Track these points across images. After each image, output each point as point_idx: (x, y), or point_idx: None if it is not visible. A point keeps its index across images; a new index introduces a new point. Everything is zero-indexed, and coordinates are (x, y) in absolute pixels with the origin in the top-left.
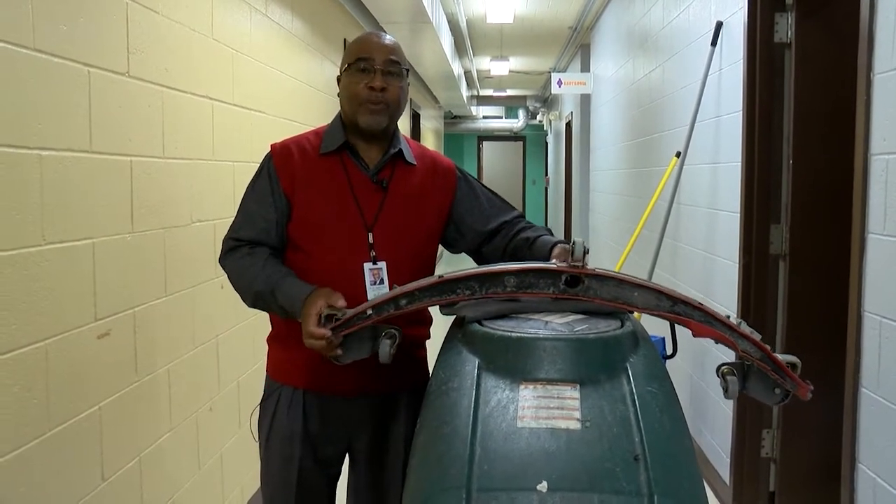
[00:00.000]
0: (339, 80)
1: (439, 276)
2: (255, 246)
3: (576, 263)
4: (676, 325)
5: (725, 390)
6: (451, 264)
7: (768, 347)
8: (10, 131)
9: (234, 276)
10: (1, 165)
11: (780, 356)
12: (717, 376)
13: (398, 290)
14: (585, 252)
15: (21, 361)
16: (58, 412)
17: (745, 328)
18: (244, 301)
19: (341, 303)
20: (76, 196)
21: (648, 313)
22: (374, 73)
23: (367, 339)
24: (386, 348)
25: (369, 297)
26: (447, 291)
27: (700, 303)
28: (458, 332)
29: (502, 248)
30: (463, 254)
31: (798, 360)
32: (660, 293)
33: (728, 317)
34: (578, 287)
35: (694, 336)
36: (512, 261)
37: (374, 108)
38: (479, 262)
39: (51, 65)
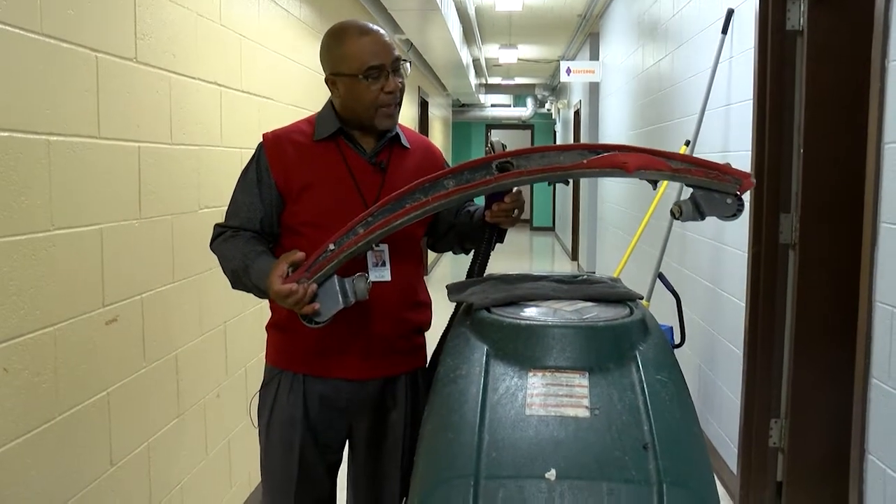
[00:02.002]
0: (329, 81)
1: (384, 199)
2: (239, 230)
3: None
4: (684, 317)
5: (680, 215)
6: (454, 260)
7: (696, 157)
8: (19, 116)
9: (220, 260)
10: (9, 150)
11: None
12: (671, 216)
13: (351, 223)
14: (503, 146)
15: (29, 346)
16: (66, 397)
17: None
18: (230, 284)
19: (299, 255)
20: (84, 182)
21: (579, 171)
22: (388, 78)
23: (335, 291)
24: (362, 284)
25: (370, 279)
26: (397, 206)
27: (621, 144)
28: (466, 320)
29: (449, 222)
30: (456, 252)
31: (728, 162)
32: (582, 148)
33: None
34: (510, 170)
35: (630, 173)
36: (458, 235)
37: (390, 110)
38: (429, 241)
39: (59, 50)
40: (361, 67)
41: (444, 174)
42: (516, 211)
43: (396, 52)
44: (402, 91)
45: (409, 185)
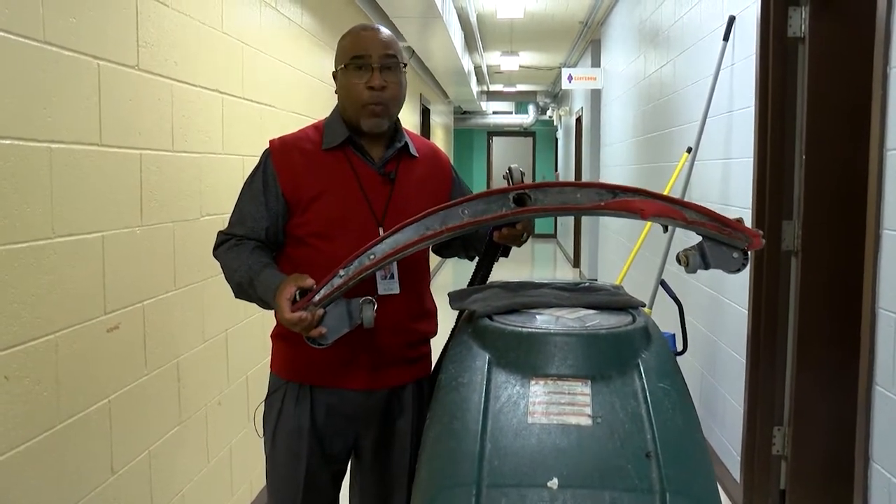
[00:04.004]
0: (334, 76)
1: (397, 226)
2: (243, 239)
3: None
4: (687, 325)
5: (686, 265)
6: (457, 268)
7: (711, 209)
8: (21, 124)
9: (223, 269)
10: (11, 158)
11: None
12: (677, 262)
13: (361, 249)
14: (522, 174)
15: (31, 354)
16: (67, 405)
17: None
18: (233, 293)
19: (309, 281)
20: (86, 189)
21: (596, 210)
22: (373, 72)
23: (343, 314)
24: (369, 312)
25: (379, 291)
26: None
27: (638, 187)
28: (467, 327)
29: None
30: (461, 257)
31: (741, 217)
32: (600, 188)
33: None
34: (527, 203)
35: (644, 218)
36: (464, 243)
37: (376, 109)
38: (434, 247)
39: (60, 57)
40: (346, 57)
41: (461, 202)
42: (525, 234)
43: (390, 51)
44: (391, 92)
45: (423, 213)
